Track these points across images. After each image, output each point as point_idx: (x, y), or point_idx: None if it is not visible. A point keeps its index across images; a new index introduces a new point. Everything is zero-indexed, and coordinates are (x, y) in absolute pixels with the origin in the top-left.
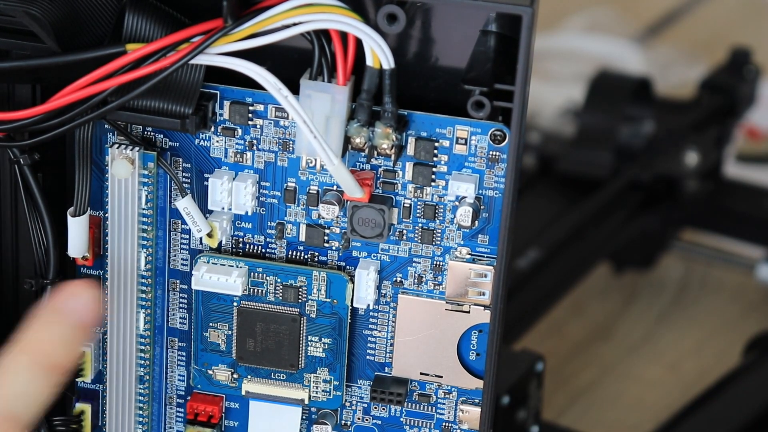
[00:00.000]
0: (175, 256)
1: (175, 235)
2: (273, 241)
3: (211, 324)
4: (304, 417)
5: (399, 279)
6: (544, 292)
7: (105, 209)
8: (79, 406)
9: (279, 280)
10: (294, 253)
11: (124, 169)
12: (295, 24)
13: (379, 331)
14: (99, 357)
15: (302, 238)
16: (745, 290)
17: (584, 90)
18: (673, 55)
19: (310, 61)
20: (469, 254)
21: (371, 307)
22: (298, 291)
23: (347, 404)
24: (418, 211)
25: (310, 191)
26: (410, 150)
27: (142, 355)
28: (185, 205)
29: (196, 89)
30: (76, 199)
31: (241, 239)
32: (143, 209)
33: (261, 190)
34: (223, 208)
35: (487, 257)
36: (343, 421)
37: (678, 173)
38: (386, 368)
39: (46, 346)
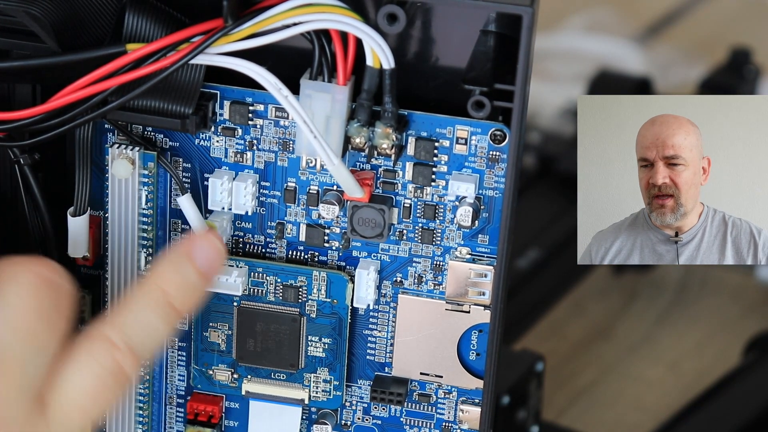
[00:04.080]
0: None
1: (175, 234)
2: (273, 240)
3: (211, 324)
4: (304, 417)
5: (399, 279)
6: (544, 292)
7: (105, 209)
8: None
9: (279, 280)
10: (294, 253)
11: (124, 169)
12: (295, 24)
13: (379, 331)
14: None
15: (302, 238)
16: (745, 290)
17: (584, 90)
18: (673, 55)
19: (310, 61)
20: (469, 254)
21: (371, 307)
22: (298, 291)
23: (347, 404)
24: (418, 211)
25: (310, 191)
26: (410, 150)
27: None
28: (185, 203)
29: (196, 89)
30: (76, 199)
31: (241, 239)
32: (143, 209)
33: (261, 190)
34: (223, 208)
35: (487, 257)
36: (343, 421)
37: None
38: (386, 368)
39: (172, 287)
